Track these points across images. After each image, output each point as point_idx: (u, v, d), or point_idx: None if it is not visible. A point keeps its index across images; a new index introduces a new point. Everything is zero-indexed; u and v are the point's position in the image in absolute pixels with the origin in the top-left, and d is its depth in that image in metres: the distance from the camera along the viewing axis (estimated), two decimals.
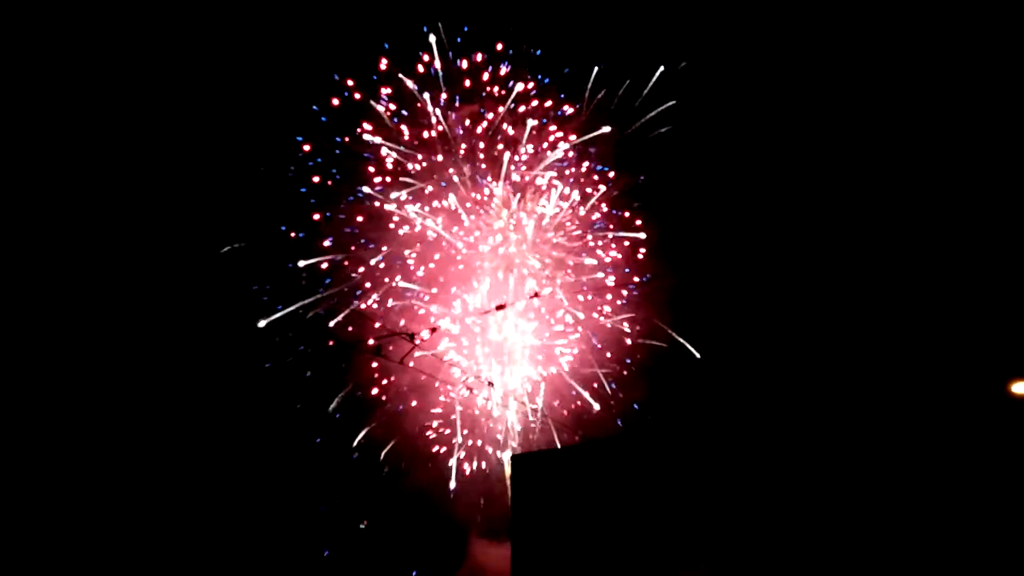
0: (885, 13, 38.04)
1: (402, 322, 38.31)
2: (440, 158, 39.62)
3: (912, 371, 30.64)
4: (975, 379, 27.09)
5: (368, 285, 39.17)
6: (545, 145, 39.81)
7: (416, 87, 38.87)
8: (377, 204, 39.22)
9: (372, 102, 39.16)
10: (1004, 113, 33.71)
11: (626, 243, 40.28)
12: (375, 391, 39.00)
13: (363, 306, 38.93)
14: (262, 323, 36.66)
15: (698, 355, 39.46)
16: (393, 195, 38.67)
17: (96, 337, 37.07)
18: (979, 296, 31.48)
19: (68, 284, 37.23)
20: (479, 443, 40.03)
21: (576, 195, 40.22)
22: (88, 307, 37.42)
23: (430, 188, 39.13)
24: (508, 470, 36.84)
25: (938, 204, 34.51)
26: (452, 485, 39.48)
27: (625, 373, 40.75)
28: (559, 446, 38.80)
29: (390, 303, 39.40)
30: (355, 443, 38.80)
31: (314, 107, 38.97)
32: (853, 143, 38.48)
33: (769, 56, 40.14)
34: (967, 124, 35.01)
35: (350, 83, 38.85)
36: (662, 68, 40.00)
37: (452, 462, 39.56)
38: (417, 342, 21.75)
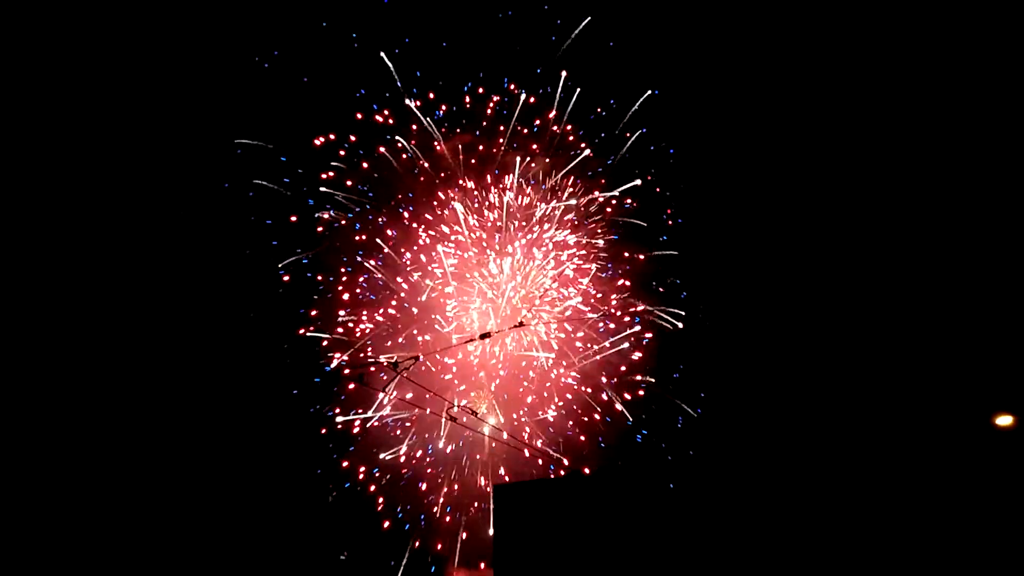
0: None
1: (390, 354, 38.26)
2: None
3: (900, 405, 30.79)
4: (960, 412, 27.31)
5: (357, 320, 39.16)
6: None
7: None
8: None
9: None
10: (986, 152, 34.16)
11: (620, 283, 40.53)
12: (357, 419, 38.82)
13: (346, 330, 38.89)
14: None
15: (695, 414, 39.66)
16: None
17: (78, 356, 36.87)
18: (964, 333, 31.75)
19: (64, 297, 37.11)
20: (460, 472, 39.90)
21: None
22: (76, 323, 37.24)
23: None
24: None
25: (926, 244, 34.87)
26: (431, 513, 39.40)
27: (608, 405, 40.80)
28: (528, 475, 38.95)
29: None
30: (337, 470, 38.51)
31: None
32: (829, 194, 38.92)
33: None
34: (945, 168, 35.51)
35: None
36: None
37: (432, 490, 39.41)
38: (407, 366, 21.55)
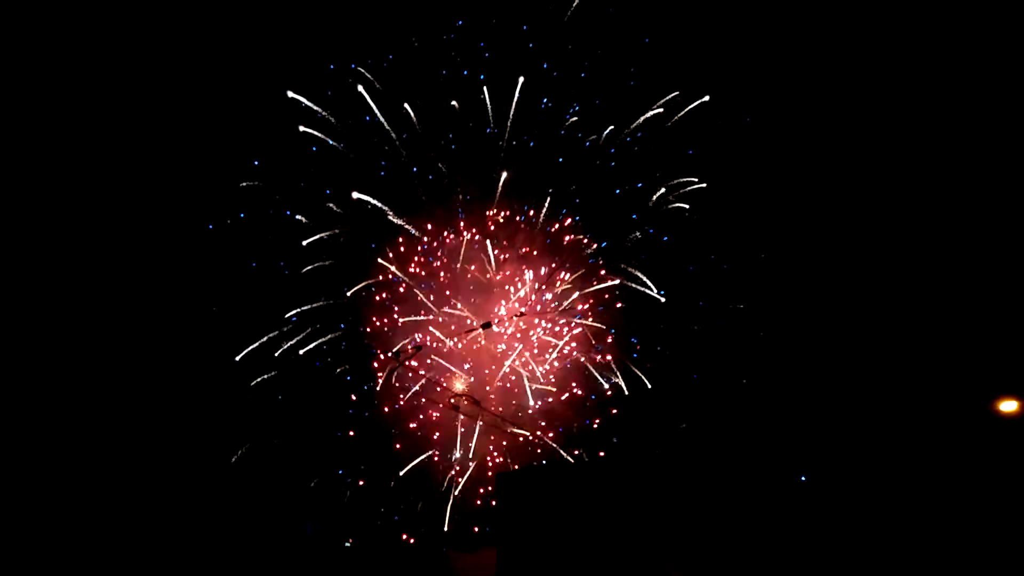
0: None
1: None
2: None
3: (899, 388, 30.80)
4: (960, 397, 27.28)
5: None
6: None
7: None
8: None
9: None
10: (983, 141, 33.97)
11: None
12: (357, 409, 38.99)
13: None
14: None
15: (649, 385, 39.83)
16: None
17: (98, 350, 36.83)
18: (963, 316, 31.66)
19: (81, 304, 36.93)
20: (455, 457, 40.14)
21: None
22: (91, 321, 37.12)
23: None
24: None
25: (926, 227, 34.73)
26: (429, 497, 39.71)
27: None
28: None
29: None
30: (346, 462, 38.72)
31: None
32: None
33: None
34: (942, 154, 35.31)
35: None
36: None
37: (434, 476, 39.61)
38: (415, 349, 21.55)
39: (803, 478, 28.20)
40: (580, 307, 39.54)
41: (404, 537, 39.18)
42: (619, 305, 40.12)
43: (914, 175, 35.62)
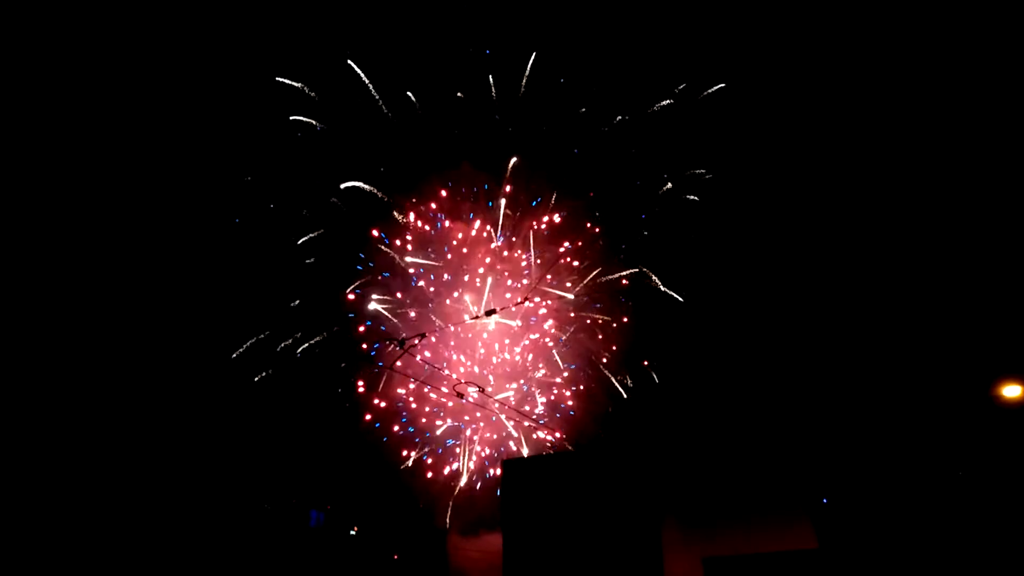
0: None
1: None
2: None
3: (896, 373, 30.80)
4: (960, 382, 27.23)
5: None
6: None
7: None
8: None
9: None
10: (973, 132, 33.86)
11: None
12: (362, 398, 38.98)
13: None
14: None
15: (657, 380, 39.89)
16: None
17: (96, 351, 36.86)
18: (963, 300, 31.65)
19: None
20: (460, 447, 40.23)
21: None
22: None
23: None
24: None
25: (925, 212, 34.71)
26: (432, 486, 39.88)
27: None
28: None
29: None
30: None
31: None
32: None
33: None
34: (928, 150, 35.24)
35: None
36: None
37: (434, 463, 39.75)
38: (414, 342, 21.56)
39: (824, 500, 28.20)
40: (588, 299, 39.52)
41: (407, 525, 39.41)
42: (654, 300, 40.08)
43: (914, 170, 35.65)
